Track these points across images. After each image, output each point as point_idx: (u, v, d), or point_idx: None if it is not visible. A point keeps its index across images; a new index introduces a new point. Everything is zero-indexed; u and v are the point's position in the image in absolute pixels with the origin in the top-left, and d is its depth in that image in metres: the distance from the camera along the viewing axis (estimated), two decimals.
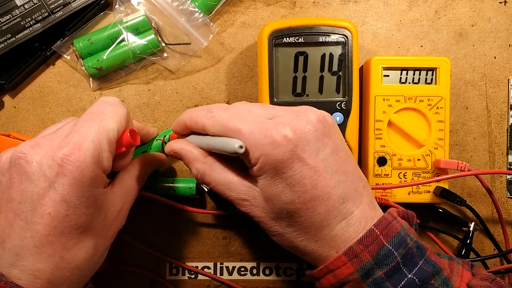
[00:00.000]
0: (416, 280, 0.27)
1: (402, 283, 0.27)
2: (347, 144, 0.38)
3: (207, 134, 0.31)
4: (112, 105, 0.30)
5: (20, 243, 0.26)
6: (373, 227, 0.27)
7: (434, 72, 0.39)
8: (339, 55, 0.37)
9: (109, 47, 0.40)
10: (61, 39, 0.41)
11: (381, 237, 0.27)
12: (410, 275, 0.27)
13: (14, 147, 0.28)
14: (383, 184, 0.39)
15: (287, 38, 0.37)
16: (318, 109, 0.37)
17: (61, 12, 0.39)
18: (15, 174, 0.27)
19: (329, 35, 0.37)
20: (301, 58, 0.38)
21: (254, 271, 0.42)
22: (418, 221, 0.32)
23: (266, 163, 0.27)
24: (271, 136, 0.27)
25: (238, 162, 0.30)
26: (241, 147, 0.27)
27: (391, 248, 0.27)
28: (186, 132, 0.34)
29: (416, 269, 0.27)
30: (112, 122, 0.29)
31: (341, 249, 0.27)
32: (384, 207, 0.38)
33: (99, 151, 0.27)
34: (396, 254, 0.27)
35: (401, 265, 0.27)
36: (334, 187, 0.27)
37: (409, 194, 0.39)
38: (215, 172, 0.30)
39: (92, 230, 0.28)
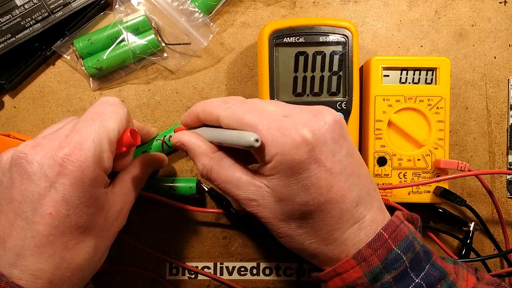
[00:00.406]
0: (424, 284, 0.26)
1: (410, 287, 0.26)
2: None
3: (219, 127, 0.30)
4: (113, 105, 0.30)
5: (21, 243, 0.26)
6: (381, 230, 0.27)
7: (434, 72, 0.39)
8: (339, 55, 0.37)
9: (109, 47, 0.40)
10: (61, 39, 0.41)
11: (389, 241, 0.27)
12: (417, 280, 0.26)
13: (15, 147, 0.28)
14: (383, 184, 0.39)
15: (287, 38, 0.37)
16: None
17: (61, 12, 0.39)
18: (16, 174, 0.27)
19: (329, 35, 0.37)
20: (301, 58, 0.38)
21: (254, 271, 0.42)
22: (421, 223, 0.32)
23: (281, 162, 0.26)
24: (290, 135, 0.26)
25: (246, 161, 0.30)
26: (257, 140, 0.26)
27: (399, 252, 0.27)
28: (197, 125, 0.32)
29: (423, 273, 0.27)
30: (113, 122, 0.29)
31: (351, 253, 0.27)
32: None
33: (99, 151, 0.27)
34: (405, 258, 0.26)
35: (409, 270, 0.27)
36: (349, 190, 0.27)
37: (409, 194, 0.39)
38: (223, 169, 0.29)
39: (93, 230, 0.28)
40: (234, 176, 0.29)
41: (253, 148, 0.26)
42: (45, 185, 0.26)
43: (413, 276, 0.26)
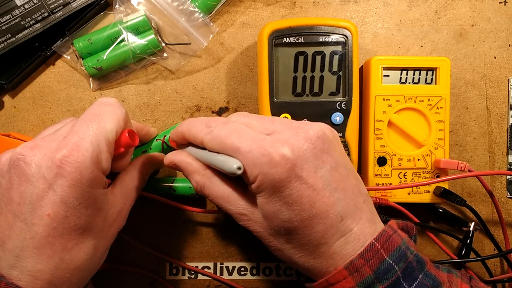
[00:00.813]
0: None
1: None
2: (347, 144, 0.38)
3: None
4: (111, 106, 0.30)
5: (20, 245, 0.26)
6: (373, 241, 0.27)
7: (434, 72, 0.39)
8: (339, 55, 0.37)
9: (109, 47, 0.40)
10: (61, 39, 0.41)
11: (381, 251, 0.27)
12: None
13: (13, 148, 0.28)
14: (383, 184, 0.39)
15: (287, 38, 0.37)
16: (318, 109, 0.38)
17: (61, 12, 0.39)
18: (14, 176, 0.27)
19: (329, 35, 0.37)
20: (301, 58, 0.38)
21: (254, 271, 0.42)
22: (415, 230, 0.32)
23: (263, 182, 0.27)
24: (269, 154, 0.26)
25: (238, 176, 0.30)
26: (239, 168, 0.27)
27: (391, 262, 0.27)
28: (184, 143, 0.33)
29: (416, 283, 0.27)
30: (111, 123, 0.29)
31: (339, 266, 0.27)
32: (384, 207, 0.38)
33: (97, 152, 0.27)
34: (397, 268, 0.26)
35: (401, 280, 0.26)
36: (333, 205, 0.27)
37: (409, 194, 0.39)
38: (214, 185, 0.30)
39: (92, 231, 0.28)
40: (225, 192, 0.30)
41: (236, 175, 0.27)
42: (43, 187, 0.26)
43: (405, 286, 0.26)
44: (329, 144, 0.28)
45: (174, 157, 0.33)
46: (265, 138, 0.27)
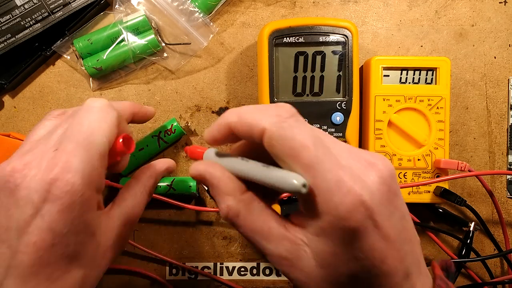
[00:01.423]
0: None
1: None
2: (347, 144, 0.37)
3: (247, 158, 0.24)
4: (99, 111, 0.27)
5: (4, 272, 0.24)
6: None
7: (434, 72, 0.39)
8: (339, 55, 0.37)
9: (109, 47, 0.40)
10: (61, 39, 0.41)
11: None
12: None
13: (3, 164, 0.26)
14: None
15: (287, 38, 0.37)
16: (318, 109, 0.38)
17: (61, 12, 0.39)
18: (3, 198, 0.25)
19: (329, 35, 0.37)
20: (301, 58, 0.38)
21: (254, 271, 0.42)
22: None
23: (333, 225, 0.21)
24: (348, 193, 0.20)
25: (272, 198, 0.25)
26: (304, 185, 0.20)
27: None
28: (226, 141, 0.25)
29: None
30: (101, 135, 0.26)
31: None
32: None
33: (89, 169, 0.25)
34: None
35: None
36: (402, 261, 0.22)
37: (409, 194, 0.39)
38: (252, 215, 0.24)
39: (81, 259, 0.26)
40: (264, 225, 0.23)
41: (298, 194, 0.21)
42: (31, 212, 0.24)
43: None
44: (397, 183, 0.23)
45: (205, 169, 0.25)
46: (344, 167, 0.21)
